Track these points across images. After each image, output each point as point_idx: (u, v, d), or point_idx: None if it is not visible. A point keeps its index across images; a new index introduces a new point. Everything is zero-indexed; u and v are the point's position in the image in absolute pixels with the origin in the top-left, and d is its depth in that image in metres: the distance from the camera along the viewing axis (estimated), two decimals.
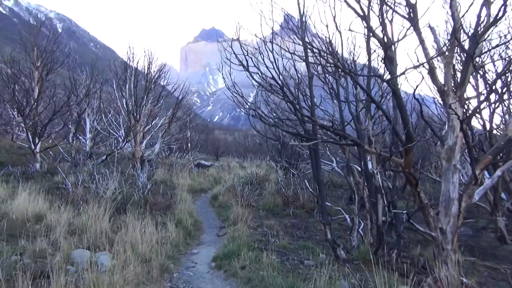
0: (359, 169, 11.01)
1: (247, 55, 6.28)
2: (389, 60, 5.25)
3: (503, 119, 10.29)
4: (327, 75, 9.46)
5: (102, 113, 20.06)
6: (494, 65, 9.31)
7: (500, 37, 7.79)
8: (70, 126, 18.00)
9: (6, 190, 9.29)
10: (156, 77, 19.05)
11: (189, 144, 33.39)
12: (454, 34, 5.89)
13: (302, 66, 7.92)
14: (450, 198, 6.00)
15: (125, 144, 16.91)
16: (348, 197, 14.40)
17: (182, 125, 30.46)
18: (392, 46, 5.36)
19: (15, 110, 14.35)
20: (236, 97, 6.68)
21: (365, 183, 8.07)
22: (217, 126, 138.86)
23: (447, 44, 7.21)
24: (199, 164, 23.13)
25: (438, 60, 6.77)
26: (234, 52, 6.57)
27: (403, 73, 5.23)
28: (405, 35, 4.99)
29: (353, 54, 8.53)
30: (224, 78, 6.59)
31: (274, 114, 7.28)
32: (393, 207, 6.76)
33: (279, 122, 6.91)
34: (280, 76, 5.98)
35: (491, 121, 10.20)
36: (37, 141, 14.66)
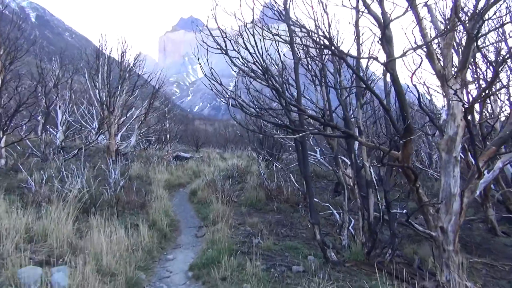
0: (347, 161, 10.48)
1: (226, 37, 5.54)
2: (387, 40, 4.60)
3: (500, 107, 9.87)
4: (310, 62, 8.85)
5: (73, 104, 19.01)
6: (495, 47, 8.78)
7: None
8: (39, 118, 16.89)
9: None
10: (130, 66, 18.08)
11: (167, 136, 32.46)
12: (455, 11, 5.28)
13: (285, 53, 7.23)
14: (451, 193, 5.44)
15: (97, 137, 15.97)
16: (333, 189, 13.88)
17: (160, 116, 29.53)
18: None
19: None
20: (214, 85, 5.95)
21: (355, 176, 7.46)
22: (197, 117, 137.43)
23: (445, 24, 6.64)
24: (178, 156, 22.29)
25: (434, 43, 6.16)
26: (211, 34, 5.84)
27: (403, 54, 4.59)
28: (406, 11, 4.34)
29: (339, 37, 7.90)
30: (200, 65, 5.85)
31: (256, 103, 6.60)
32: (387, 203, 6.18)
33: (261, 112, 6.22)
34: (262, 60, 5.27)
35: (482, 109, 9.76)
36: (1, 135, 13.63)
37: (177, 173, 15.06)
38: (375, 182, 6.57)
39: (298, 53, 7.48)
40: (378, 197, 6.36)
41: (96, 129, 16.63)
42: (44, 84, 15.15)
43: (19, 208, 7.46)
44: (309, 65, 8.87)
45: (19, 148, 15.88)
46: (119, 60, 17.67)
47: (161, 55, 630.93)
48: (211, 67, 6.02)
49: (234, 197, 10.82)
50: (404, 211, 6.59)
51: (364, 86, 4.91)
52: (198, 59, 5.92)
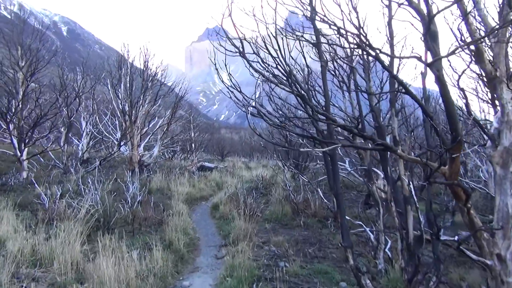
0: (380, 172, 9.69)
1: (244, 39, 4.94)
2: (432, 37, 3.89)
3: None
4: (337, 67, 8.20)
5: (96, 115, 18.85)
6: None
7: None
8: (61, 129, 16.75)
9: None
10: (153, 75, 17.78)
11: (193, 145, 32.17)
12: (508, 3, 4.52)
13: (309, 61, 6.58)
14: (509, 215, 4.64)
15: (119, 148, 15.65)
16: (363, 201, 13.05)
17: (184, 125, 29.25)
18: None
19: None
20: (231, 92, 5.36)
21: (391, 191, 6.69)
22: (223, 125, 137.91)
23: (496, 19, 5.85)
24: (202, 167, 21.83)
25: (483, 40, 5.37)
26: (227, 36, 5.26)
27: (452, 53, 3.87)
28: (453, 2, 3.62)
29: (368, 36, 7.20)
30: (217, 71, 5.28)
31: (280, 112, 5.96)
32: (430, 222, 5.39)
33: (285, 122, 5.57)
34: (285, 64, 4.63)
35: None
36: (23, 147, 13.47)
37: (200, 185, 14.52)
38: (415, 198, 5.82)
39: (325, 57, 6.83)
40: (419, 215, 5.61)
41: (118, 140, 16.32)
42: (66, 94, 14.93)
43: (30, 226, 7.09)
44: (336, 70, 8.23)
45: (42, 160, 15.76)
46: (142, 69, 17.42)
47: (188, 65, 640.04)
48: (229, 73, 5.44)
49: (258, 212, 10.17)
50: (456, 237, 5.78)
51: (403, 89, 4.20)
52: (215, 64, 5.35)
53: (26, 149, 13.66)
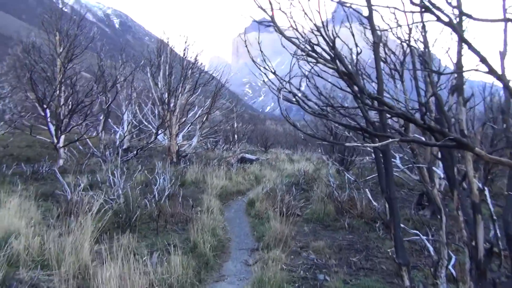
0: (438, 172, 8.46)
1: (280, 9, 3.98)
2: None
3: None
4: (387, 52, 7.11)
5: (136, 103, 18.54)
6: None
7: None
8: (100, 117, 16.52)
9: None
10: (192, 63, 17.16)
11: (235, 136, 31.58)
12: None
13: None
14: None
15: (155, 137, 15.17)
16: (416, 202, 11.79)
17: (227, 115, 28.67)
18: None
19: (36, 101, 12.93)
20: (264, 73, 4.45)
21: (458, 197, 5.53)
22: (268, 117, 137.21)
23: None
24: (242, 159, 21.06)
25: None
26: (261, 7, 4.32)
27: None
28: None
29: None
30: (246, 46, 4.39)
31: (323, 98, 4.97)
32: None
33: (327, 110, 4.58)
34: (327, 35, 3.64)
35: None
36: (59, 135, 13.24)
37: (237, 178, 13.70)
38: (491, 206, 4.68)
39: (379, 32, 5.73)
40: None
41: (156, 129, 15.87)
42: (104, 81, 14.58)
43: (48, 220, 6.55)
44: (388, 57, 7.14)
45: (81, 148, 15.59)
46: (182, 57, 16.85)
47: (234, 57, 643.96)
48: (261, 50, 4.52)
49: (298, 211, 9.23)
50: None
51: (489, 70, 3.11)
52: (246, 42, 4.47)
53: (63, 136, 13.43)
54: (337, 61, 3.40)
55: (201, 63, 17.95)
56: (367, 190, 7.57)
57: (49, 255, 5.04)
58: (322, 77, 4.79)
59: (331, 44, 3.40)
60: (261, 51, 4.21)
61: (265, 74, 4.59)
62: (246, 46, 4.36)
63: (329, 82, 4.77)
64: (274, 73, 4.52)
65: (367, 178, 9.96)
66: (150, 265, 4.75)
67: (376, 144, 3.72)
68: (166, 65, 16.50)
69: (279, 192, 9.78)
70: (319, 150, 38.90)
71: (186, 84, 16.91)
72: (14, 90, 15.34)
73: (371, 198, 7.06)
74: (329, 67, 3.41)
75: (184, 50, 16.76)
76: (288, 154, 34.77)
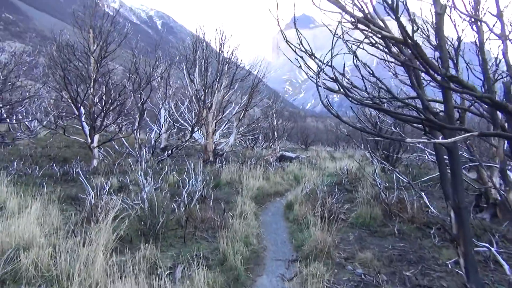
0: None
1: None
2: None
3: None
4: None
5: (172, 101, 18.18)
6: None
7: None
8: (136, 116, 16.24)
9: (23, 198, 7.24)
10: (229, 58, 16.53)
11: (275, 133, 30.83)
12: None
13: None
14: None
15: (191, 135, 14.66)
16: (473, 204, 10.62)
17: (266, 112, 28.00)
18: None
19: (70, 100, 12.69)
20: (300, 57, 3.69)
21: None
22: (309, 114, 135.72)
23: None
24: (282, 157, 20.25)
25: None
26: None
27: None
28: None
29: None
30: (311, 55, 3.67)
31: (371, 82, 4.07)
32: None
33: (379, 99, 3.73)
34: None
35: None
36: (94, 134, 12.97)
37: (275, 179, 12.88)
38: None
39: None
40: None
41: (191, 127, 15.36)
42: (138, 78, 14.21)
43: (69, 224, 6.06)
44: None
45: (117, 148, 15.35)
46: (217, 52, 16.25)
47: (274, 54, 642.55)
48: (298, 31, 3.78)
49: (342, 215, 8.33)
50: None
51: None
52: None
53: (97, 136, 13.16)
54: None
55: (238, 58, 17.27)
56: (423, 193, 6.58)
57: (59, 269, 4.49)
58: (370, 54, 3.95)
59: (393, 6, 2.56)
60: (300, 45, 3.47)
61: (303, 61, 3.82)
62: (287, 41, 3.64)
63: (376, 57, 3.92)
64: (312, 55, 3.72)
65: (424, 179, 8.83)
66: (169, 283, 4.07)
67: (446, 141, 2.84)
68: (202, 60, 15.97)
69: (320, 194, 8.93)
70: (362, 147, 37.61)
71: (222, 80, 16.31)
72: (49, 90, 15.30)
73: (428, 204, 6.10)
74: (386, 36, 2.59)
75: (221, 44, 16.15)
76: (329, 152, 33.65)
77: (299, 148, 35.63)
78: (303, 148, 35.30)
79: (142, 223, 6.01)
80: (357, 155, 30.56)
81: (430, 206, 6.30)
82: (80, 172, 7.96)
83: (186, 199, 7.28)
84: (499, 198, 9.52)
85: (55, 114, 15.65)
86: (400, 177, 7.22)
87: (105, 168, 11.96)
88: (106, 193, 7.07)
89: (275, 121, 30.54)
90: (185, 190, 7.34)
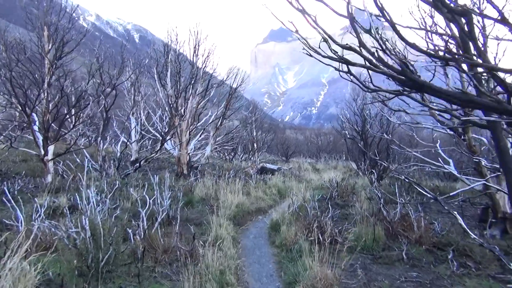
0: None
1: None
2: None
3: None
4: None
5: (144, 110, 16.59)
6: None
7: None
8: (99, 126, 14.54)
9: None
10: (204, 61, 15.07)
11: (254, 145, 29.49)
12: None
13: None
14: None
15: (161, 146, 13.07)
16: (479, 217, 9.48)
17: (244, 121, 26.75)
18: None
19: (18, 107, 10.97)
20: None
21: None
22: (288, 126, 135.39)
23: None
24: (263, 169, 18.78)
25: None
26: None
27: None
28: None
29: None
30: None
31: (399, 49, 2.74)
32: None
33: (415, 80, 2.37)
34: None
35: None
36: (48, 145, 11.26)
37: (257, 193, 11.34)
38: None
39: None
40: None
41: (162, 136, 13.74)
42: (102, 83, 12.59)
43: None
44: None
45: (78, 161, 13.60)
46: (191, 54, 14.78)
47: (253, 67, 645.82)
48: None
49: (339, 236, 6.89)
50: None
51: None
52: None
53: (52, 147, 11.46)
54: None
55: (214, 62, 15.85)
56: (456, 213, 5.19)
57: None
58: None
59: None
60: None
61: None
62: None
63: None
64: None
65: (450, 194, 7.42)
66: None
67: None
68: (174, 64, 14.48)
69: (310, 211, 7.48)
70: (345, 158, 36.56)
71: (197, 85, 14.83)
72: None
73: (466, 228, 4.70)
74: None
75: (195, 46, 14.68)
76: (311, 163, 32.43)
77: (280, 160, 34.30)
78: (284, 160, 33.97)
79: (83, 258, 4.43)
80: (340, 166, 29.46)
81: (469, 232, 4.90)
82: (6, 191, 6.25)
83: (145, 222, 5.68)
84: (508, 211, 8.30)
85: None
86: (425, 191, 5.81)
87: (60, 184, 10.29)
88: (40, 217, 5.44)
89: (254, 132, 29.28)
90: (143, 210, 5.74)
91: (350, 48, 2.64)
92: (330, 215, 7.46)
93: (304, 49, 3.09)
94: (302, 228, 6.83)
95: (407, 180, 6.95)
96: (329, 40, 2.83)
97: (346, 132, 20.74)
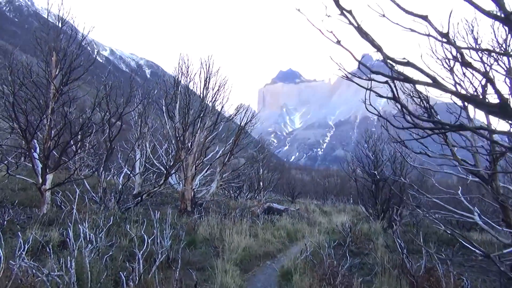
0: None
1: None
2: None
3: None
4: None
5: (150, 143, 16.08)
6: None
7: None
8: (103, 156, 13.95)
9: None
10: (215, 94, 14.66)
11: (261, 183, 28.80)
12: None
13: None
14: None
15: (165, 180, 12.42)
16: (504, 275, 8.54)
17: (251, 159, 26.18)
18: None
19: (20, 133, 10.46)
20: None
21: None
22: (293, 166, 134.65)
23: None
24: (269, 208, 17.97)
25: None
26: None
27: None
28: None
29: None
30: None
31: None
32: None
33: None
34: None
35: None
36: (46, 174, 10.67)
37: (265, 235, 10.49)
38: None
39: None
40: None
41: (167, 169, 13.08)
42: (108, 111, 12.13)
43: None
44: None
45: (77, 191, 12.92)
46: (202, 87, 14.37)
47: (260, 106, 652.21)
48: None
49: None
50: None
51: None
52: None
53: (50, 176, 10.86)
54: None
55: (225, 96, 15.47)
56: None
57: None
58: None
59: None
60: None
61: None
62: None
63: None
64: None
65: (504, 252, 6.63)
66: None
67: None
68: (184, 96, 14.08)
69: (326, 260, 6.70)
70: (352, 200, 35.58)
71: (205, 119, 14.36)
72: None
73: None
74: None
75: (206, 79, 14.31)
76: (318, 205, 31.46)
77: (285, 200, 33.35)
78: (289, 200, 33.02)
79: None
80: (348, 209, 28.45)
81: None
82: (5, 221, 5.56)
83: (141, 265, 4.95)
84: None
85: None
86: (470, 246, 5.08)
87: (55, 216, 9.62)
88: (22, 254, 4.75)
89: (261, 170, 28.67)
90: (140, 252, 5.03)
91: (408, 64, 2.07)
92: (348, 264, 6.68)
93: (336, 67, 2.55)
94: (317, 279, 6.05)
95: (448, 232, 6.21)
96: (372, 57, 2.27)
97: (355, 173, 20.08)
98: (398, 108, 3.58)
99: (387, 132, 7.31)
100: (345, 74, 2.71)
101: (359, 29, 2.09)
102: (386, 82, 2.50)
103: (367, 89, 2.72)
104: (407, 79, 2.11)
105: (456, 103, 8.33)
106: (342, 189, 42.46)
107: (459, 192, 8.53)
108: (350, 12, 2.07)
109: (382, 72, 2.25)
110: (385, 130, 7.79)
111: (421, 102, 7.94)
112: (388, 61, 2.07)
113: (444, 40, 2.23)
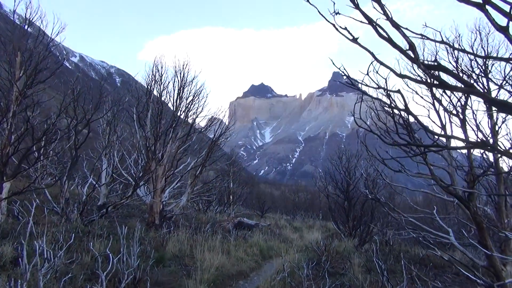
0: None
1: None
2: None
3: None
4: None
5: (118, 152, 15.38)
6: None
7: None
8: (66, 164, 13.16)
9: None
10: (188, 104, 14.17)
11: (231, 197, 28.30)
12: None
13: None
14: None
15: (133, 191, 11.80)
16: None
17: (221, 172, 25.65)
18: None
19: None
20: None
21: None
22: (262, 180, 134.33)
23: None
24: (240, 224, 17.48)
25: None
26: None
27: None
28: None
29: None
30: None
31: None
32: None
33: None
34: None
35: None
36: (3, 182, 9.89)
37: (237, 253, 10.00)
38: None
39: None
40: None
41: (135, 180, 12.44)
42: (74, 117, 11.45)
43: None
44: None
45: (36, 201, 12.09)
46: (175, 96, 13.86)
47: (231, 120, 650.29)
48: None
49: None
50: None
51: None
52: None
53: (7, 184, 10.08)
54: None
55: (199, 105, 14.98)
56: None
57: None
58: None
59: None
60: None
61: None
62: None
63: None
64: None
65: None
66: None
67: None
68: (157, 105, 13.55)
69: (305, 281, 6.32)
70: (321, 217, 35.46)
71: (178, 129, 13.83)
72: None
73: None
74: None
75: (180, 88, 13.81)
76: (287, 220, 31.18)
77: (255, 214, 32.88)
78: (259, 215, 32.57)
79: None
80: (317, 225, 28.30)
81: None
82: None
83: (105, 287, 4.42)
84: None
85: None
86: (470, 275, 4.78)
87: (11, 228, 8.88)
88: None
89: (231, 183, 28.22)
90: (104, 273, 4.50)
91: (439, 67, 1.76)
92: (327, 287, 6.32)
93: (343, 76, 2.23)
94: None
95: (446, 258, 5.97)
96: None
97: (327, 189, 19.91)
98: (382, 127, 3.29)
99: (367, 150, 7.09)
100: (348, 81, 2.38)
101: (392, 21, 1.77)
102: (398, 91, 2.19)
103: (360, 101, 2.40)
104: (443, 85, 1.80)
105: (435, 123, 8.25)
106: (311, 205, 42.38)
107: (434, 212, 8.39)
108: (379, 2, 1.75)
109: (409, 76, 1.93)
110: (365, 146, 7.57)
111: (400, 121, 7.79)
112: (420, 64, 1.76)
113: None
